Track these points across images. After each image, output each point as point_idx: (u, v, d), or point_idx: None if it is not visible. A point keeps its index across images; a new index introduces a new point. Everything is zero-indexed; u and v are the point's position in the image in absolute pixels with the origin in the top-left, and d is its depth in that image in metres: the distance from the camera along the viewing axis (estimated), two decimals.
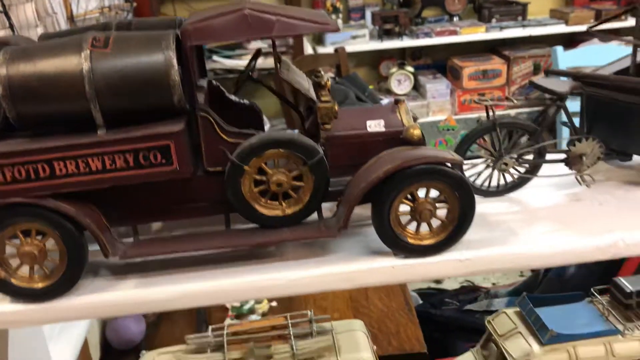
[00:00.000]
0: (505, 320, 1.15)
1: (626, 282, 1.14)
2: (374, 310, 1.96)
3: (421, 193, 0.81)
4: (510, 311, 1.17)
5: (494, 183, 0.95)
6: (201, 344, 1.07)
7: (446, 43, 3.70)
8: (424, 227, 0.82)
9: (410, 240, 0.82)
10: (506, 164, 0.92)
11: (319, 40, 3.70)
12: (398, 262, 0.83)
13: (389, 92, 3.76)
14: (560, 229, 0.88)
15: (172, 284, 0.81)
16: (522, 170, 0.94)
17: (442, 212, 0.82)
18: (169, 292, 0.81)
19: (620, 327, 1.09)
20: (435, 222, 0.82)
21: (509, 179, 0.95)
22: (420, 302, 2.43)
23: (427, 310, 2.27)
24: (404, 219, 0.82)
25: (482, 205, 0.94)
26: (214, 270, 0.83)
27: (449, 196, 0.81)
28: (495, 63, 3.78)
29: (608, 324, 1.10)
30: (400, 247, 0.82)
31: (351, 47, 3.56)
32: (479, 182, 0.95)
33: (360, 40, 3.66)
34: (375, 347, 1.15)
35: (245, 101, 0.92)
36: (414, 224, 0.82)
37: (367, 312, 1.94)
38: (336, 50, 3.32)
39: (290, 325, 1.08)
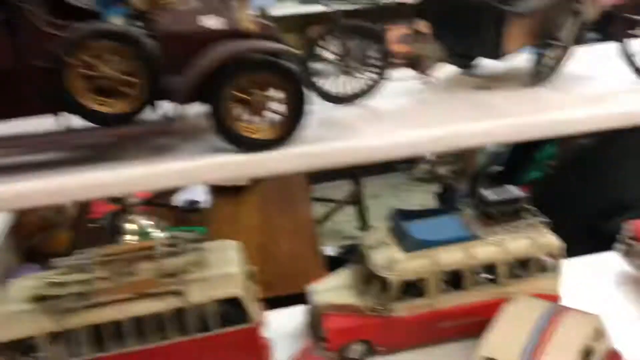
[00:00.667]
0: (375, 234, 1.19)
1: (488, 193, 1.18)
2: (282, 254, 1.98)
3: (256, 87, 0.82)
4: (382, 225, 1.20)
5: (343, 90, 0.97)
6: (68, 265, 1.07)
7: None
8: (261, 122, 0.83)
9: (248, 135, 0.83)
10: (351, 68, 0.94)
11: None
12: (238, 158, 0.84)
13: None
14: (402, 126, 0.91)
15: (8, 184, 0.80)
16: (368, 74, 0.96)
17: (278, 106, 0.83)
18: (5, 193, 0.80)
19: (479, 233, 1.14)
20: (272, 117, 0.83)
21: (358, 85, 0.97)
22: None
23: (341, 257, 2.32)
24: (240, 114, 0.83)
25: (330, 110, 0.96)
26: (54, 171, 0.82)
27: (283, 89, 0.82)
28: (424, 26, 3.82)
29: (469, 231, 1.14)
30: (238, 142, 0.83)
31: (277, 11, 3.54)
32: (329, 88, 0.97)
33: (288, 4, 3.64)
34: (255, 267, 1.17)
35: (88, 6, 0.90)
36: (252, 120, 0.83)
37: (276, 257, 1.96)
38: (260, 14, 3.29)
39: (158, 245, 1.08)
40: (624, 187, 1.67)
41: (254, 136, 0.83)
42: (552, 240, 1.14)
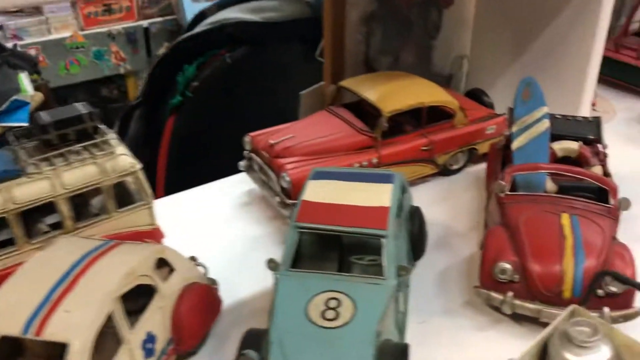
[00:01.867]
0: None
1: (43, 115, 0.90)
2: None
3: None
4: None
5: None
6: None
7: None
8: None
9: None
10: None
11: None
12: None
13: None
14: None
15: None
16: None
17: None
18: None
19: (29, 167, 0.86)
20: None
21: None
22: None
23: None
24: None
25: None
26: None
27: None
28: None
29: (11, 166, 0.85)
30: None
31: None
32: None
33: None
34: None
35: None
36: None
37: None
38: None
39: None
40: (271, 103, 1.55)
41: None
42: (125, 161, 0.90)
